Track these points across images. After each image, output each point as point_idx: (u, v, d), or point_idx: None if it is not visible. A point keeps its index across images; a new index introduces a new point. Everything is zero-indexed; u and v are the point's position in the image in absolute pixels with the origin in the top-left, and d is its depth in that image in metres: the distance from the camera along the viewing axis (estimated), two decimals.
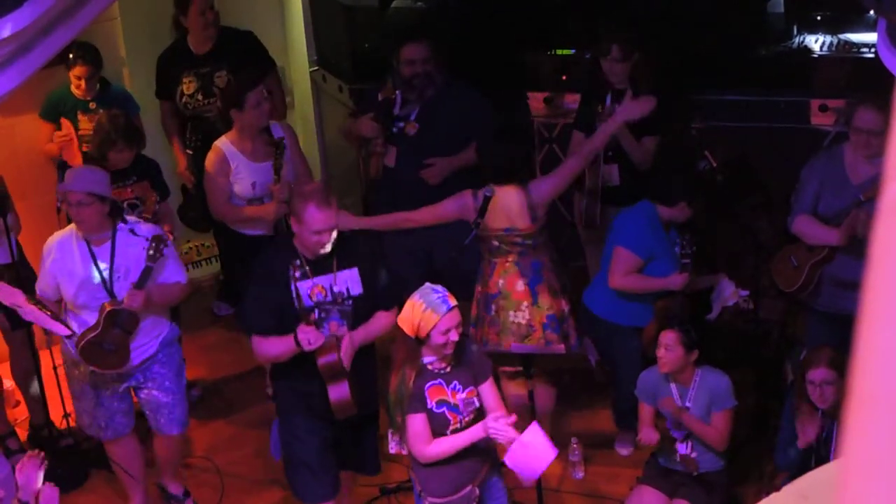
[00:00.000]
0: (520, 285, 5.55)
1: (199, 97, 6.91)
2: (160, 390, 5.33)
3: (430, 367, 4.48)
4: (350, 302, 4.71)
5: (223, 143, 6.07)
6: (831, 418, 4.82)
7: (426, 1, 7.80)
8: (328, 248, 4.63)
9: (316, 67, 8.15)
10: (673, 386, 5.24)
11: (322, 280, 4.68)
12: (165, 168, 6.44)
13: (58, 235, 5.20)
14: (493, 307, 5.61)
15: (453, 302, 4.38)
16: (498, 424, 4.37)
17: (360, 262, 4.75)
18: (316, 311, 4.65)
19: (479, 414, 4.51)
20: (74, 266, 5.09)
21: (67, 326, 5.05)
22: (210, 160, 6.08)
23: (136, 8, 7.36)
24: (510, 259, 5.57)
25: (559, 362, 6.42)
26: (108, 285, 5.06)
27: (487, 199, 5.41)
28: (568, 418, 6.21)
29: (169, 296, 5.29)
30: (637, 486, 5.37)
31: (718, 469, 5.27)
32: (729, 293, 6.61)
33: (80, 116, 6.67)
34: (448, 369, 4.48)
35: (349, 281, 4.72)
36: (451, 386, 4.49)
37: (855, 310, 1.04)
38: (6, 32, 3.92)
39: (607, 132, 5.67)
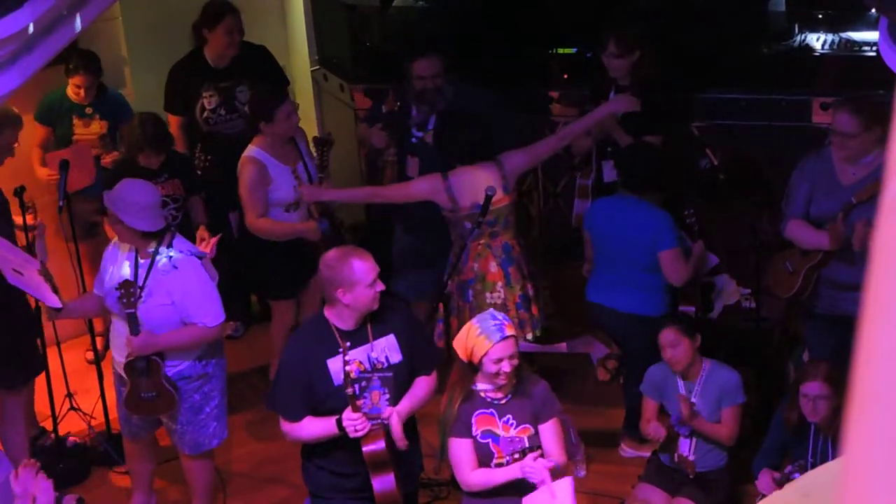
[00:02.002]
0: (493, 266, 5.64)
1: (222, 112, 6.80)
2: (169, 418, 5.27)
3: (483, 394, 4.37)
4: (391, 372, 4.48)
5: (257, 152, 6.00)
6: (824, 433, 4.79)
7: (427, 0, 7.80)
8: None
9: (317, 66, 8.15)
10: (680, 381, 5.24)
11: (359, 352, 4.44)
12: None
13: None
14: (471, 292, 5.67)
15: (510, 332, 4.28)
16: (535, 464, 4.26)
17: (395, 328, 4.53)
18: (356, 385, 4.38)
19: (524, 454, 4.39)
20: (116, 267, 5.10)
21: (60, 300, 5.01)
22: (250, 172, 5.96)
23: (137, 8, 7.36)
24: (482, 241, 5.63)
25: (560, 361, 6.43)
26: (123, 306, 5.03)
27: (489, 199, 5.45)
28: (569, 417, 6.19)
29: (182, 339, 5.07)
30: (639, 485, 5.37)
31: (720, 468, 5.27)
32: (730, 291, 6.63)
33: (75, 121, 6.62)
34: (504, 401, 4.37)
35: (387, 349, 4.50)
36: (504, 419, 4.37)
37: (854, 311, 1.03)
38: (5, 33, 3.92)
39: (589, 121, 5.86)
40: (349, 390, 4.32)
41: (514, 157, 5.69)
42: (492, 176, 5.58)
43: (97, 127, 6.61)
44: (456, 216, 5.65)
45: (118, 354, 5.21)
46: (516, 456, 4.37)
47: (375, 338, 4.46)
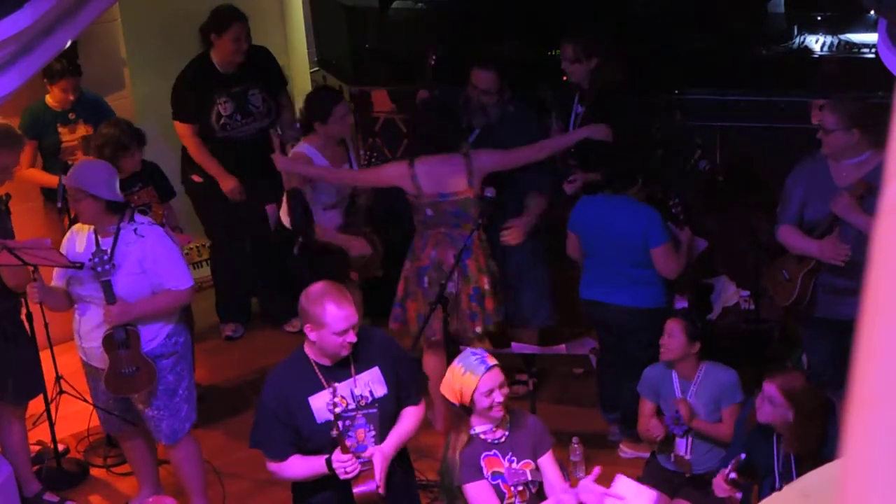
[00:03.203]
0: (450, 256, 5.67)
1: (238, 117, 6.79)
2: (145, 403, 5.27)
3: (482, 436, 4.30)
4: (376, 407, 4.32)
5: (306, 148, 6.08)
6: (786, 449, 4.59)
7: (426, 2, 7.81)
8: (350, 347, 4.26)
9: (316, 68, 8.15)
10: (676, 380, 5.23)
11: (341, 388, 4.24)
12: (168, 169, 6.48)
13: (78, 224, 5.27)
14: (426, 279, 5.74)
15: (492, 362, 4.26)
16: (586, 485, 4.19)
17: (378, 359, 4.36)
18: (339, 422, 4.19)
19: (529, 488, 4.34)
20: (75, 249, 5.13)
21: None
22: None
23: (137, 9, 7.35)
24: (442, 230, 5.72)
25: (559, 362, 6.42)
26: (98, 276, 5.02)
27: (488, 201, 5.51)
28: (568, 418, 6.20)
29: (157, 306, 5.13)
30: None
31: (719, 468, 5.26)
32: (730, 293, 6.63)
33: (60, 129, 6.59)
34: (503, 439, 4.32)
35: (371, 382, 4.33)
36: (507, 457, 4.32)
37: (852, 316, 1.03)
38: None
39: (566, 141, 6.06)
40: (334, 431, 4.17)
41: (485, 156, 5.78)
42: (457, 168, 5.67)
43: (83, 131, 6.60)
44: (419, 202, 5.74)
45: (88, 342, 5.20)
46: (520, 488, 4.32)
47: (358, 372, 4.31)
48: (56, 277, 5.27)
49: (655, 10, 7.10)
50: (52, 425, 5.92)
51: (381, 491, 4.24)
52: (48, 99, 6.60)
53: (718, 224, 6.60)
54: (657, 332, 5.33)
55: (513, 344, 5.69)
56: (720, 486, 4.55)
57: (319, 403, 4.24)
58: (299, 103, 8.00)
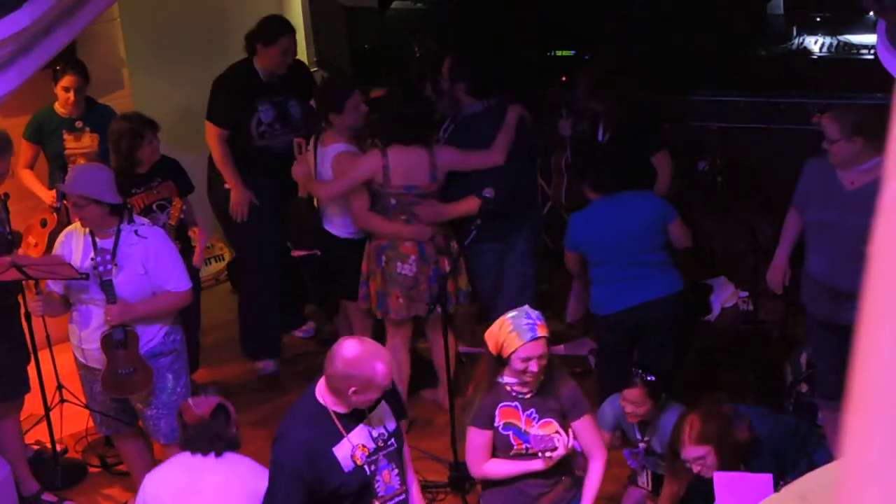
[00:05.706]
0: (408, 241, 5.84)
1: (278, 126, 6.67)
2: (144, 402, 5.26)
3: (508, 388, 4.33)
4: (392, 440, 4.17)
5: (347, 147, 6.03)
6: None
7: (425, 2, 7.82)
8: None
9: (316, 68, 8.15)
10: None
11: (359, 434, 4.07)
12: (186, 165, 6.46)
13: (72, 226, 5.24)
14: (383, 258, 5.88)
15: (542, 332, 4.20)
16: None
17: (384, 394, 4.15)
18: (365, 467, 4.05)
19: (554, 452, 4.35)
20: (73, 254, 5.11)
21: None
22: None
23: (136, 8, 7.35)
24: (402, 218, 5.85)
25: (559, 362, 6.42)
26: (99, 276, 5.02)
27: (487, 201, 5.52)
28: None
29: (157, 307, 5.12)
30: (630, 486, 5.33)
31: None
32: (728, 294, 6.63)
33: (65, 136, 6.52)
34: (528, 395, 4.33)
35: (383, 418, 4.16)
36: (528, 413, 4.34)
37: (853, 320, 1.03)
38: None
39: (503, 148, 5.97)
40: None
41: (446, 152, 5.90)
42: (422, 162, 5.79)
43: (88, 140, 6.52)
44: (384, 191, 5.82)
45: (88, 343, 5.18)
46: (548, 454, 4.34)
47: (371, 411, 4.11)
48: (52, 282, 5.24)
49: (655, 11, 7.11)
50: (50, 425, 5.91)
51: None
52: (56, 105, 6.57)
53: (718, 224, 6.61)
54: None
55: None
56: None
57: (343, 453, 4.06)
58: None
